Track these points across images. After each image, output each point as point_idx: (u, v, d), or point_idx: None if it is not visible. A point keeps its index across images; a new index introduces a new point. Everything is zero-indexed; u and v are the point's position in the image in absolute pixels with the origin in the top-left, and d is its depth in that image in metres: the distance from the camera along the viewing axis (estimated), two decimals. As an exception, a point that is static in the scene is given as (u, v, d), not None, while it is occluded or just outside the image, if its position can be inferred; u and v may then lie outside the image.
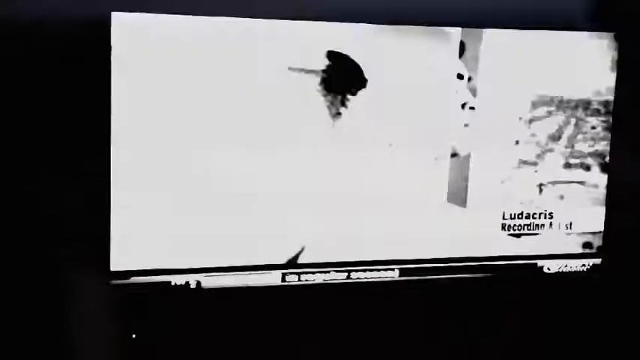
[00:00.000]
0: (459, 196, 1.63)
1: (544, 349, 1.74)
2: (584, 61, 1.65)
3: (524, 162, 1.65)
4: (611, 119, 1.68)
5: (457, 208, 1.63)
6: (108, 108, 1.40)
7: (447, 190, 1.62)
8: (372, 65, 1.53)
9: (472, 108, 1.60)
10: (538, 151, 1.66)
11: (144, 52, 1.41)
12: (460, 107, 1.60)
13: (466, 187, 1.63)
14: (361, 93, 1.54)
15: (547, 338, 1.75)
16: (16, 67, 1.41)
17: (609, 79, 1.67)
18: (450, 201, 1.63)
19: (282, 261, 1.55)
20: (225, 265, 1.52)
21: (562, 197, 1.68)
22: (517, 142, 1.65)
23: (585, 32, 1.65)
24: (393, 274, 1.61)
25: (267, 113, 1.49)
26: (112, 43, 1.40)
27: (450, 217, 1.63)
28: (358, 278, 1.59)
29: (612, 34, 1.65)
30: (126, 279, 1.46)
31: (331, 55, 1.51)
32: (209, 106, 1.46)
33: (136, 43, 1.41)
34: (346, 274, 1.58)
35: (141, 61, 1.41)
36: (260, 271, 1.54)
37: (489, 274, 1.66)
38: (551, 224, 1.69)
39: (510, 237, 1.67)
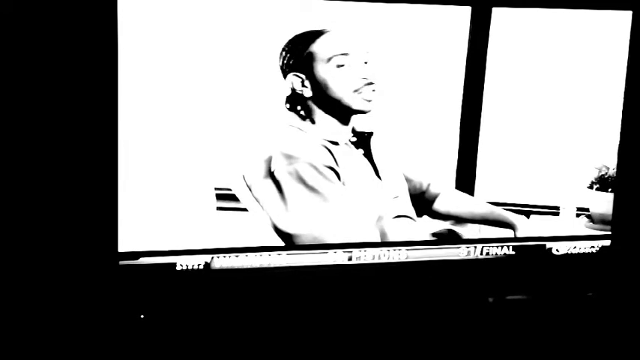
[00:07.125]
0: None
1: (551, 330, 1.73)
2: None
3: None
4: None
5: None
6: (115, 86, 1.41)
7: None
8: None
9: None
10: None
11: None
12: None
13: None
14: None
15: (555, 321, 1.74)
16: (22, 29, 1.40)
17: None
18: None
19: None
20: (233, 247, 1.52)
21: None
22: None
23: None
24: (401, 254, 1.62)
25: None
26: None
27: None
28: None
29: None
30: (134, 259, 1.48)
31: None
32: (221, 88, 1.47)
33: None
34: (348, 254, 1.59)
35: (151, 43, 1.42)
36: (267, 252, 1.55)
37: (498, 257, 1.67)
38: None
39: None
